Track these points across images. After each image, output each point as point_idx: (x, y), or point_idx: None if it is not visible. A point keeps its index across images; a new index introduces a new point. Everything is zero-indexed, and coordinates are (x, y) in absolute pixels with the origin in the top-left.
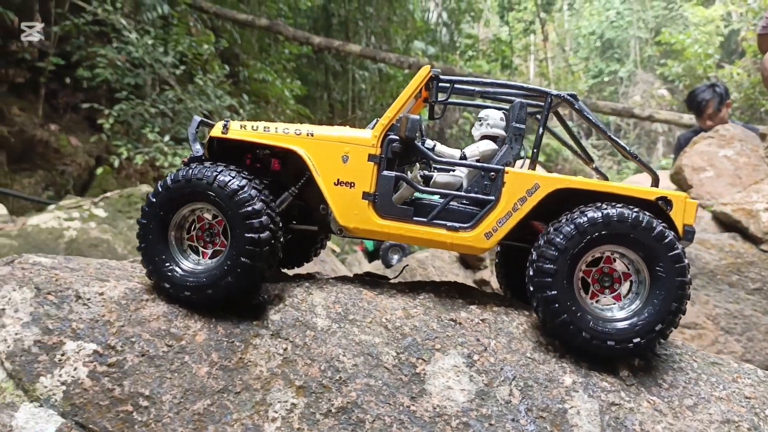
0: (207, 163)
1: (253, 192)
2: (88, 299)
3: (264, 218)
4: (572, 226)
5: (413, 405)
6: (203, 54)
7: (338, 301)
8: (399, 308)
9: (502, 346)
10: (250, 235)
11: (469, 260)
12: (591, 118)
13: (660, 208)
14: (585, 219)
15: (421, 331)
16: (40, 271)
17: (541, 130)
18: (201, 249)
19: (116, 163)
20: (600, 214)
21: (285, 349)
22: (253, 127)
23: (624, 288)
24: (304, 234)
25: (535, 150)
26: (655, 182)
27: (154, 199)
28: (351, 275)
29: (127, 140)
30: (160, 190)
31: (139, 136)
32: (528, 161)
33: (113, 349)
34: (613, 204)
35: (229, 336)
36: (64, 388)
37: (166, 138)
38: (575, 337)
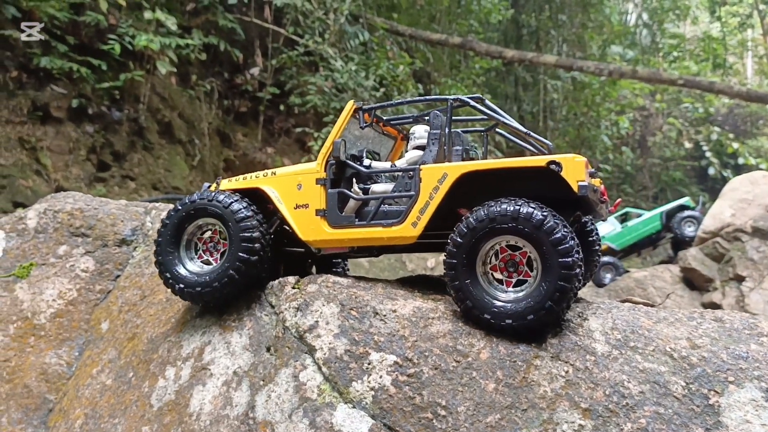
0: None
1: (251, 213)
2: (384, 315)
3: (257, 234)
4: (464, 225)
5: None
6: (399, 75)
7: (616, 327)
8: (683, 337)
9: None
10: (245, 244)
11: (695, 281)
12: (487, 112)
13: (552, 171)
14: (473, 218)
15: (711, 362)
16: (341, 290)
17: (447, 129)
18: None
19: None
20: (485, 212)
21: (566, 372)
22: (236, 179)
23: (526, 271)
24: (328, 268)
25: (446, 147)
26: (549, 152)
27: (181, 207)
28: (618, 301)
29: None
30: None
31: None
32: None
33: (410, 362)
34: (501, 201)
35: (511, 356)
36: (372, 393)
37: None
38: (479, 319)
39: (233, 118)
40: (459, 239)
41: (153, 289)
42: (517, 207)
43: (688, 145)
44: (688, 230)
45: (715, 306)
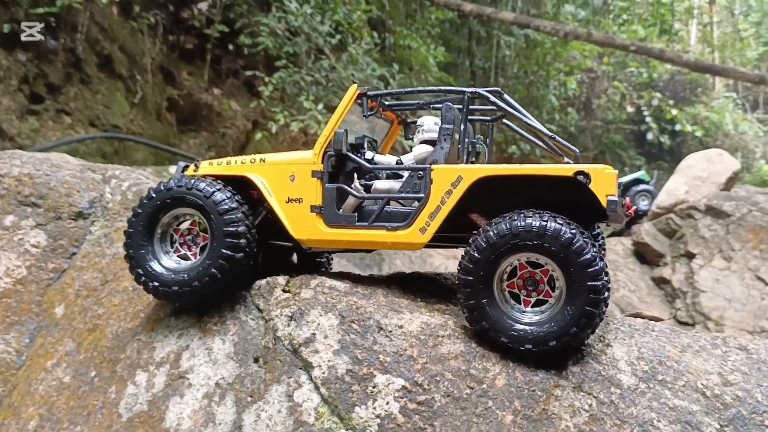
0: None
1: (236, 205)
2: (390, 332)
3: (242, 228)
4: (483, 240)
5: None
6: (354, 22)
7: (642, 357)
8: (713, 372)
9: None
10: (230, 240)
11: (647, 255)
12: (508, 109)
13: (580, 182)
14: (494, 232)
15: (746, 402)
16: (339, 297)
17: (463, 125)
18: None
19: (274, 129)
20: (507, 226)
21: (590, 405)
22: (218, 163)
23: (547, 290)
24: (311, 259)
25: (460, 146)
26: (575, 159)
27: (155, 195)
28: (626, 315)
29: (283, 107)
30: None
31: (293, 103)
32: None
33: (420, 387)
34: (525, 214)
35: (529, 384)
36: (378, 421)
37: (320, 106)
38: (496, 341)
39: (178, 55)
40: (477, 255)
41: (116, 273)
42: (544, 222)
43: (630, 109)
44: (642, 204)
45: (664, 281)
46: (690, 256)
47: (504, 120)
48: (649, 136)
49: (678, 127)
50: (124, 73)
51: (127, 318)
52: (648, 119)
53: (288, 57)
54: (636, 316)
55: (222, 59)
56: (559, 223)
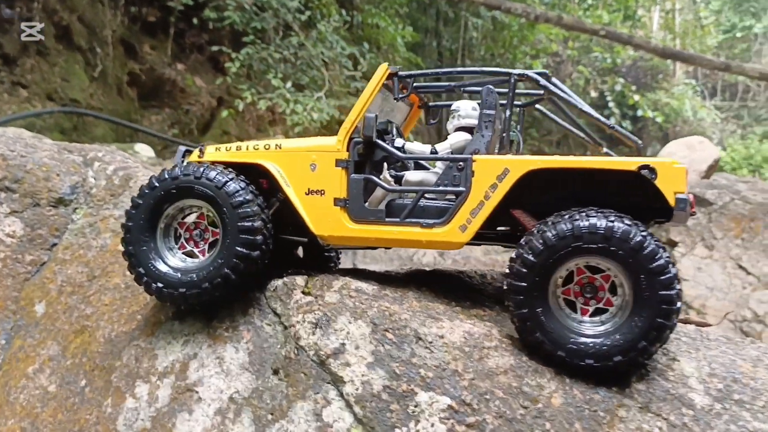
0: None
1: (251, 197)
2: (430, 342)
3: (258, 223)
4: (539, 241)
5: None
6: None
7: (714, 373)
8: None
9: None
10: (245, 237)
11: None
12: (560, 94)
13: (644, 178)
14: (553, 233)
15: None
16: (369, 302)
17: (508, 111)
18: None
19: (240, 107)
20: (568, 227)
21: (660, 429)
22: (226, 148)
23: (608, 298)
24: (320, 254)
25: (504, 135)
26: (637, 151)
27: (158, 184)
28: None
29: (250, 84)
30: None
31: (261, 80)
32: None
33: (469, 407)
34: (588, 213)
35: (590, 403)
36: None
37: (288, 84)
38: (551, 355)
39: (140, 27)
40: (532, 258)
41: (105, 268)
42: (611, 223)
43: (593, 94)
44: None
45: None
46: (672, 244)
47: (537, 105)
48: (611, 120)
49: (639, 113)
50: (83, 46)
51: (121, 320)
52: (611, 104)
53: (255, 33)
54: (685, 321)
55: (186, 33)
56: (627, 224)
